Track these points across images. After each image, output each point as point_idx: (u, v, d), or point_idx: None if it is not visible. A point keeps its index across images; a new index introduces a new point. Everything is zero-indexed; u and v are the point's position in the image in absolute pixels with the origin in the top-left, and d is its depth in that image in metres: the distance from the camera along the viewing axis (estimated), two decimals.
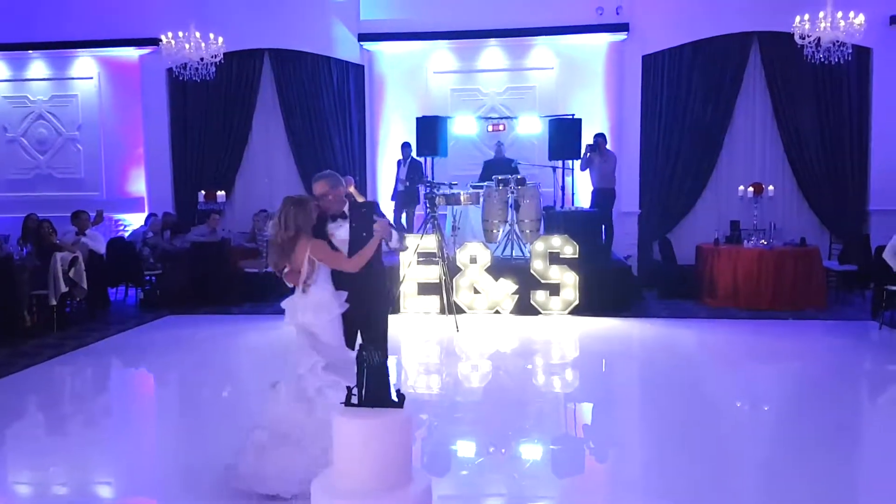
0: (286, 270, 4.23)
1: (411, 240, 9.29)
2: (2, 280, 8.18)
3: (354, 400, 2.04)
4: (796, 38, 9.66)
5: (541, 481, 4.59)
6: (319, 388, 3.83)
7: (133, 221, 12.51)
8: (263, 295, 10.17)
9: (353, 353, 3.88)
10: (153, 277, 10.55)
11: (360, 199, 9.58)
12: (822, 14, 9.42)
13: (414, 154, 11.18)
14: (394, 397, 2.04)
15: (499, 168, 10.74)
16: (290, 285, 4.27)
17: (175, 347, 8.37)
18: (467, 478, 4.52)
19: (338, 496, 1.94)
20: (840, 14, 9.37)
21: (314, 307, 4.16)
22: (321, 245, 4.24)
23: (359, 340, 4.36)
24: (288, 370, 4.16)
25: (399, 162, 11.34)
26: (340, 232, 4.40)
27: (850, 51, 9.76)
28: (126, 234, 11.84)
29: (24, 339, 8.12)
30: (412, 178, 11.07)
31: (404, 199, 11.22)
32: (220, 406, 6.30)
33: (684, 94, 11.57)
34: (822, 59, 9.69)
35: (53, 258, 8.61)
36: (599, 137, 10.76)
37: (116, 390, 7.26)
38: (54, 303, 8.64)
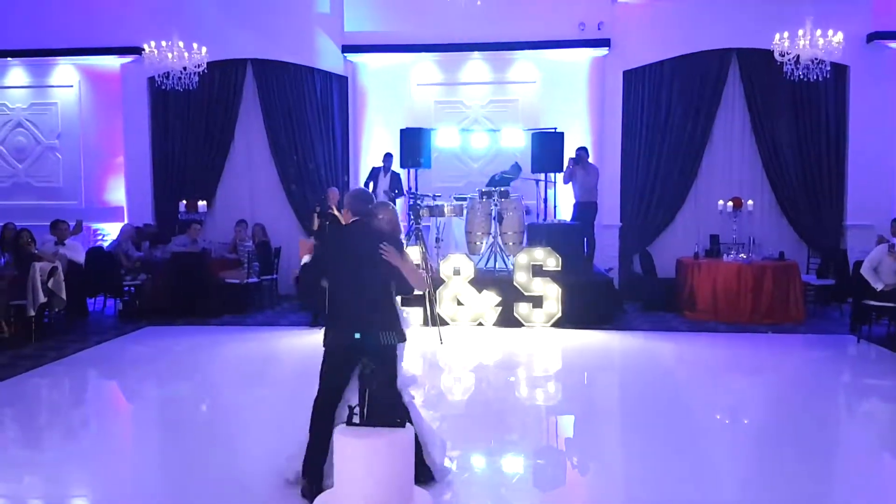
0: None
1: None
2: None
3: (356, 420, 2.03)
4: (776, 55, 9.82)
5: (525, 494, 4.59)
6: None
7: (112, 231, 12.38)
8: (243, 306, 10.12)
9: None
10: (132, 288, 10.44)
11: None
12: (801, 32, 9.59)
13: (395, 166, 11.19)
14: (396, 418, 2.03)
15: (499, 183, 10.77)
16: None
17: (154, 359, 8.28)
18: (452, 490, 4.47)
19: None
20: (819, 32, 9.54)
21: None
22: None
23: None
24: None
25: (377, 170, 11.25)
26: None
27: (829, 68, 9.93)
28: (105, 245, 11.71)
29: (2, 350, 8.00)
30: (392, 189, 11.07)
31: None
32: (199, 418, 6.24)
33: (664, 109, 11.70)
34: (801, 77, 9.85)
35: (32, 268, 8.51)
36: (582, 151, 10.84)
37: (95, 402, 7.15)
38: (32, 313, 8.53)
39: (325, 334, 3.99)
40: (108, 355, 8.30)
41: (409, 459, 1.99)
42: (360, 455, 1.92)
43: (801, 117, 11.49)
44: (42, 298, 8.58)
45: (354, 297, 3.92)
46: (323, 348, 3.96)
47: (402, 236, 4.19)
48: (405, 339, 4.05)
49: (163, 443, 5.60)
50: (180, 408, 6.46)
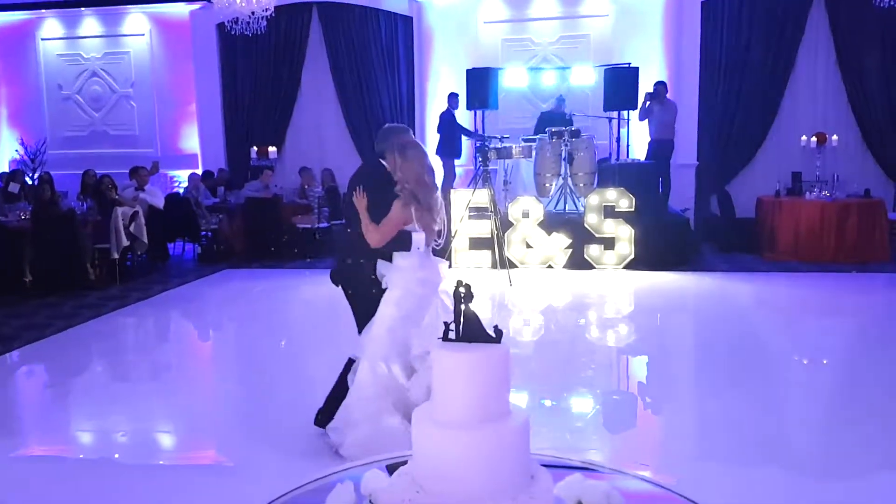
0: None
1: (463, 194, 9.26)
2: (66, 234, 8.38)
3: (452, 335, 2.05)
4: None
5: (594, 435, 4.58)
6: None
7: (186, 178, 12.69)
8: (317, 250, 10.28)
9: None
10: (209, 233, 10.72)
11: None
12: None
13: (465, 106, 11.02)
14: (491, 333, 2.05)
15: (553, 121, 10.53)
16: (424, 246, 3.92)
17: (234, 300, 8.54)
18: None
19: (440, 427, 1.99)
20: None
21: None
22: None
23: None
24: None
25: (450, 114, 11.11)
26: None
27: None
28: (181, 191, 12.01)
29: (89, 292, 8.34)
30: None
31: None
32: (278, 357, 6.41)
33: (744, 41, 11.15)
34: (891, 3, 9.21)
35: (114, 213, 8.79)
36: (660, 86, 10.45)
37: (178, 340, 7.44)
38: (116, 256, 8.85)
39: None
40: (189, 296, 8.59)
41: (507, 374, 2.01)
42: (459, 368, 1.95)
43: (890, 47, 10.81)
44: (125, 242, 8.89)
45: (342, 233, 4.12)
46: None
47: (417, 186, 3.78)
48: (378, 284, 3.89)
49: (244, 380, 5.78)
50: (260, 346, 6.65)
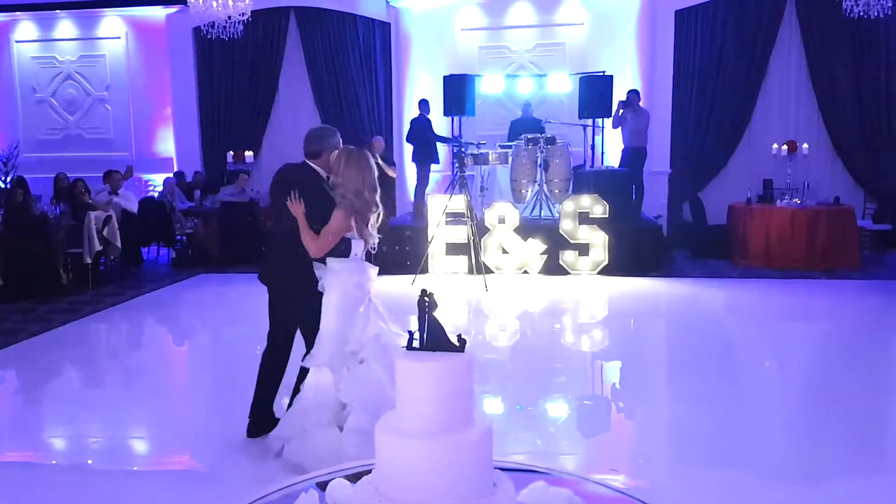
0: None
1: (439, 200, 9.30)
2: (38, 238, 8.33)
3: (416, 344, 2.09)
4: None
5: (567, 439, 4.62)
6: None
7: (161, 182, 12.61)
8: None
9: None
10: (184, 237, 10.66)
11: (390, 173, 9.55)
12: None
13: (441, 113, 11.04)
14: (455, 341, 2.09)
15: (526, 128, 10.62)
16: (356, 253, 3.92)
17: (209, 305, 8.51)
18: (496, 435, 4.49)
19: (402, 436, 2.02)
20: None
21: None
22: None
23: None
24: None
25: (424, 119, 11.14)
26: None
27: (890, 4, 9.44)
28: (155, 195, 11.94)
29: (62, 296, 8.28)
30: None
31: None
32: (252, 363, 6.38)
33: (717, 50, 11.32)
34: (861, 14, 9.39)
35: (87, 217, 8.74)
36: (632, 94, 10.57)
37: (153, 346, 7.39)
38: (89, 261, 8.79)
39: None
40: (163, 301, 8.54)
41: (470, 383, 2.05)
42: (422, 378, 1.99)
43: (860, 56, 11.02)
44: (98, 246, 8.84)
45: (272, 236, 4.15)
46: None
47: (354, 188, 3.79)
48: (305, 289, 3.89)
49: (219, 386, 5.77)
50: (236, 351, 6.62)
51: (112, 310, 7.94)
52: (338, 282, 3.82)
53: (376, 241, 3.96)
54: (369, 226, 3.90)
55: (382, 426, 2.11)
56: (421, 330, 2.08)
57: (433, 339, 2.07)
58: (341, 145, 4.15)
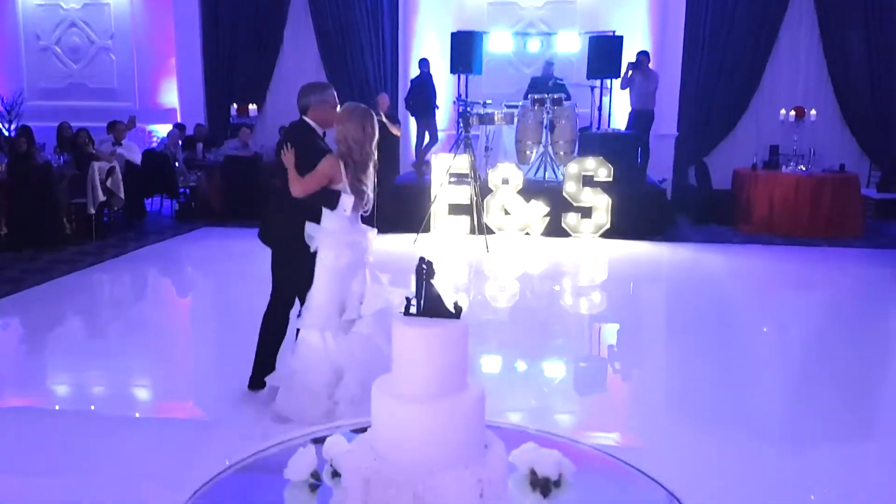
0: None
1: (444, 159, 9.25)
2: (42, 188, 8.32)
3: (413, 310, 2.13)
4: None
5: (564, 398, 4.69)
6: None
7: (164, 133, 12.56)
8: None
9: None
10: (187, 189, 10.66)
11: (395, 131, 9.50)
12: None
13: (447, 71, 10.94)
14: (451, 308, 2.13)
15: (544, 86, 10.46)
16: (351, 212, 3.89)
17: (211, 259, 8.55)
18: (493, 393, 4.52)
19: (397, 398, 2.08)
20: None
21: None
22: None
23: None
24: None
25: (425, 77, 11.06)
26: None
27: None
28: (158, 145, 11.89)
29: (65, 247, 8.32)
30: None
31: None
32: (254, 316, 6.44)
33: (729, 12, 11.14)
34: None
35: (91, 167, 8.73)
36: (642, 55, 10.43)
37: (155, 298, 7.47)
38: (93, 211, 8.80)
39: None
40: (166, 253, 8.59)
41: (465, 349, 2.10)
42: (419, 343, 2.06)
43: (872, 23, 10.86)
44: (101, 197, 8.84)
45: (273, 194, 4.18)
46: None
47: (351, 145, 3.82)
48: (305, 248, 3.88)
49: (219, 337, 5.84)
50: (237, 305, 6.68)
51: (115, 261, 7.99)
52: (330, 240, 3.81)
53: (370, 196, 3.92)
54: (366, 181, 3.86)
55: (379, 387, 2.15)
56: (418, 296, 2.11)
57: (430, 305, 2.10)
58: (334, 99, 4.19)
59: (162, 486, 3.22)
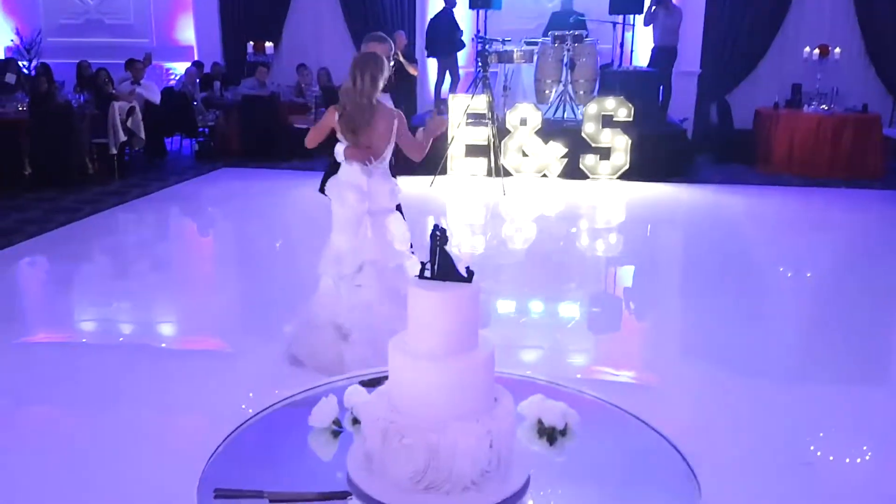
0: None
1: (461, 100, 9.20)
2: (63, 127, 8.39)
3: (427, 274, 2.26)
4: None
5: (579, 338, 4.79)
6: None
7: (182, 71, 12.51)
8: (312, 150, 10.30)
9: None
10: (206, 129, 10.70)
11: (412, 71, 9.42)
12: None
13: (467, 6, 10.76)
14: (463, 273, 2.25)
15: (566, 23, 10.24)
16: (353, 162, 3.80)
17: (231, 199, 8.66)
18: (508, 335, 4.54)
19: (412, 356, 2.22)
20: None
21: (391, 192, 3.87)
22: (404, 120, 3.88)
23: None
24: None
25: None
26: None
27: None
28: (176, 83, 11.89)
29: (89, 186, 8.44)
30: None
31: None
32: (275, 256, 6.60)
33: None
34: None
35: (111, 107, 8.79)
36: None
37: (179, 238, 7.63)
38: (114, 151, 8.91)
39: None
40: (187, 194, 8.71)
41: (476, 311, 2.24)
42: (432, 305, 2.20)
43: None
44: (122, 137, 8.93)
45: None
46: None
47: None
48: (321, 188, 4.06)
49: (243, 275, 6.01)
50: (255, 246, 6.83)
51: (137, 201, 8.13)
52: (334, 190, 3.88)
53: (375, 152, 3.79)
54: (357, 135, 3.76)
55: (395, 344, 2.28)
56: (432, 262, 2.23)
57: (443, 270, 2.21)
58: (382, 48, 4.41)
59: (200, 417, 3.40)
